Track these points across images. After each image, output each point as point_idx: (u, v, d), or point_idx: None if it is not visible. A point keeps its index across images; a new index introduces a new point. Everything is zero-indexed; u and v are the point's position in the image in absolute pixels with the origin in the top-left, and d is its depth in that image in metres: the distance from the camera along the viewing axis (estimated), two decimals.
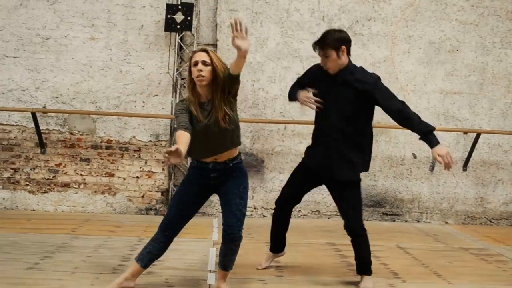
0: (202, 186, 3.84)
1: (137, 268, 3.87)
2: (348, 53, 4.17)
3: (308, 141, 7.04)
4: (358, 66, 4.30)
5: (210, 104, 3.68)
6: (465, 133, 7.09)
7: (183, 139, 3.51)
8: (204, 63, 3.63)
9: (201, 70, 3.61)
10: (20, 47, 6.92)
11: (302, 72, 6.89)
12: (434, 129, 4.03)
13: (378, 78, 4.22)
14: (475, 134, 6.93)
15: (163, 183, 7.07)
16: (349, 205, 4.22)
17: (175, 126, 3.73)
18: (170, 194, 7.04)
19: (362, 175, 6.96)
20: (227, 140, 3.74)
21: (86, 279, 4.14)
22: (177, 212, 3.85)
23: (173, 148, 3.28)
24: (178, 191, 3.92)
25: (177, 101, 6.99)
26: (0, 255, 4.74)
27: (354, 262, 4.44)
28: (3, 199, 6.95)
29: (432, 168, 7.17)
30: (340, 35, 4.16)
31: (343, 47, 4.10)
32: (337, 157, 4.16)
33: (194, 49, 7.02)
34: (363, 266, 4.28)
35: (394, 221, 7.18)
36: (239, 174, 3.84)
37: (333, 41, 4.10)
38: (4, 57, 6.92)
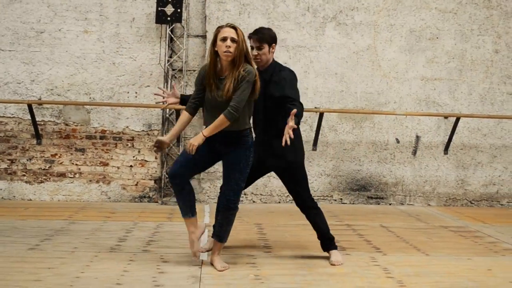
0: (210, 146, 4.04)
1: (190, 220, 4.17)
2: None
3: None
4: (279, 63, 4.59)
5: (225, 79, 3.93)
6: (446, 117, 7.39)
7: (179, 122, 4.04)
8: (232, 39, 3.87)
9: (229, 46, 3.85)
10: (15, 41, 7.14)
11: (288, 61, 7.21)
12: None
13: (294, 75, 4.43)
14: (455, 119, 7.22)
15: (156, 171, 7.32)
16: (295, 184, 4.43)
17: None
18: (163, 182, 7.29)
19: (348, 160, 7.28)
20: None
21: (85, 257, 4.39)
22: (183, 160, 4.07)
23: (155, 140, 3.63)
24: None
25: (169, 91, 7.24)
26: (1, 238, 4.98)
27: (338, 239, 4.71)
28: (0, 189, 7.17)
29: (414, 152, 7.47)
30: (274, 34, 4.41)
31: (274, 45, 4.37)
32: (273, 147, 4.33)
33: (184, 41, 7.28)
34: (327, 242, 4.51)
35: (378, 204, 7.47)
36: (242, 147, 4.06)
37: (269, 36, 4.33)
38: (0, 51, 7.13)
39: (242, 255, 4.62)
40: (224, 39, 3.87)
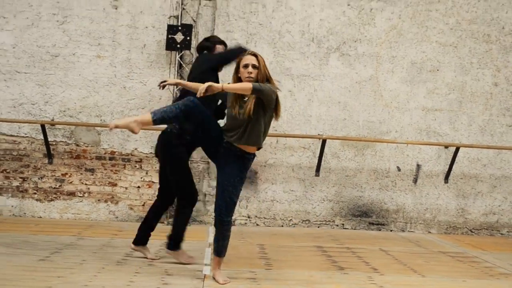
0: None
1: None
2: None
3: (299, 154, 7.52)
4: None
5: (247, 101, 4.19)
6: (446, 147, 7.59)
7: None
8: (254, 66, 4.18)
9: (251, 72, 4.17)
10: (31, 64, 7.43)
11: (293, 89, 7.47)
12: None
13: None
14: (455, 148, 7.41)
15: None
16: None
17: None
18: None
19: (350, 187, 7.45)
20: (244, 134, 4.20)
21: (93, 269, 4.57)
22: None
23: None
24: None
25: None
26: (13, 250, 5.17)
27: (337, 260, 4.91)
28: (12, 206, 7.38)
29: (415, 181, 7.64)
30: None
31: None
32: None
33: None
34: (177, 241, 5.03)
35: (380, 230, 7.62)
36: (241, 163, 4.29)
37: None
38: (16, 73, 7.42)
39: (243, 271, 4.78)
40: (246, 66, 4.19)
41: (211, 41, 5.46)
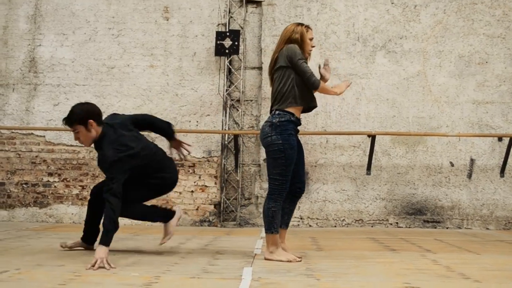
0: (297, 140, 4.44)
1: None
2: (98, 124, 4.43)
3: (349, 153, 7.55)
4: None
5: None
6: (500, 139, 7.43)
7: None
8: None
9: (314, 46, 4.49)
10: (89, 76, 7.82)
11: None
12: None
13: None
14: (508, 140, 7.25)
15: (215, 196, 7.66)
16: None
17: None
18: (222, 206, 7.60)
19: (402, 184, 7.39)
20: None
21: (144, 250, 4.72)
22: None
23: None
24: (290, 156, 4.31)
25: (227, 119, 7.69)
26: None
27: (389, 244, 4.88)
28: (72, 214, 7.68)
29: (469, 176, 7.50)
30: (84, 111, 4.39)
31: (90, 121, 4.35)
32: None
33: (242, 72, 7.76)
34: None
35: (435, 228, 7.48)
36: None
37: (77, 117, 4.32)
38: (75, 85, 7.82)
39: (293, 253, 4.82)
40: (312, 39, 4.44)
41: None
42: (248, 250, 4.87)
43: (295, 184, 4.44)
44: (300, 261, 4.25)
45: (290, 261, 4.23)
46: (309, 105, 4.43)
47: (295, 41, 4.35)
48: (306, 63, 4.33)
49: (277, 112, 4.32)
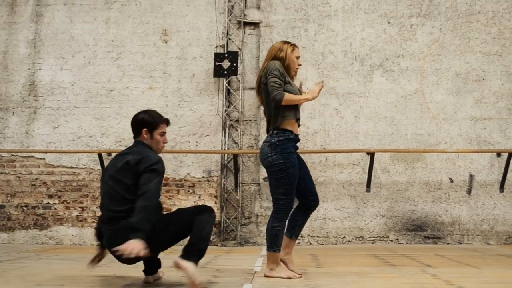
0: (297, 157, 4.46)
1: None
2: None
3: (349, 171, 7.57)
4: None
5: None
6: (498, 155, 7.46)
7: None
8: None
9: (300, 64, 4.55)
10: (88, 99, 7.88)
11: (339, 107, 7.60)
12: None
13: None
14: (507, 155, 7.27)
15: (216, 215, 7.64)
16: None
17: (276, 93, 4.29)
18: (222, 225, 7.60)
19: (402, 201, 7.39)
20: None
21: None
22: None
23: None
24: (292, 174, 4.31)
25: (227, 139, 7.73)
26: (72, 261, 5.40)
27: (389, 260, 4.87)
28: (72, 235, 7.68)
29: (469, 191, 7.51)
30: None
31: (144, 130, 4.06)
32: None
33: (240, 93, 7.82)
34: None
35: (436, 244, 7.46)
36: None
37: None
38: (75, 108, 7.87)
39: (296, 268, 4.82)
40: (298, 57, 4.50)
41: None
42: (248, 268, 4.87)
43: (308, 198, 4.45)
44: (300, 277, 4.25)
45: (290, 278, 4.23)
46: (297, 116, 4.43)
47: (280, 59, 4.39)
48: (277, 77, 4.25)
49: (275, 131, 4.34)
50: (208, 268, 4.91)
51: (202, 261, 5.43)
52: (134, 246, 3.43)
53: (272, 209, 4.40)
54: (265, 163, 4.36)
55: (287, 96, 4.23)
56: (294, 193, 4.32)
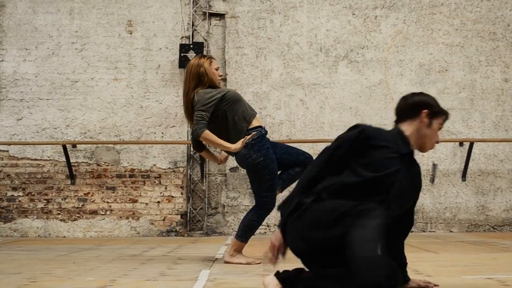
0: None
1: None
2: None
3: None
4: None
5: None
6: (461, 144, 7.59)
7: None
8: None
9: (221, 75, 4.64)
10: (53, 90, 7.79)
11: (304, 98, 7.65)
12: None
13: None
14: (469, 145, 7.40)
15: (182, 206, 7.66)
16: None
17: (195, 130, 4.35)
18: (188, 216, 7.60)
19: None
20: None
21: (107, 259, 4.71)
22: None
23: None
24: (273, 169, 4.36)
25: None
26: (35, 252, 5.36)
27: None
28: (37, 227, 7.61)
29: (432, 180, 7.63)
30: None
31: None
32: None
33: None
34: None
35: None
36: None
37: None
38: (39, 100, 7.78)
39: (256, 256, 4.85)
40: (218, 68, 4.54)
41: None
42: (210, 256, 4.88)
43: (300, 160, 4.49)
44: (259, 264, 4.28)
45: (250, 264, 4.26)
46: (254, 111, 4.52)
47: (202, 74, 4.42)
48: (204, 111, 4.28)
49: (247, 133, 4.37)
50: (169, 256, 4.91)
51: (163, 250, 5.46)
52: None
53: (254, 204, 4.48)
54: (245, 165, 4.39)
55: (208, 135, 4.27)
56: (276, 188, 4.39)
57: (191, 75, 4.45)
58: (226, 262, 4.35)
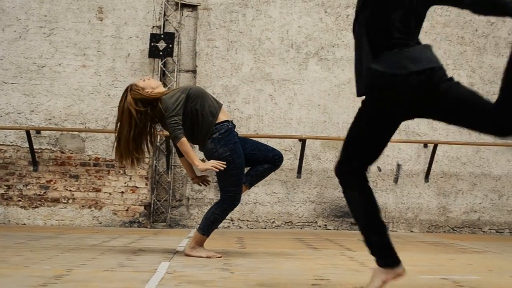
0: None
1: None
2: None
3: None
4: None
5: None
6: (425, 146, 7.70)
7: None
8: None
9: (143, 79, 4.55)
10: (18, 74, 7.64)
11: (273, 93, 7.67)
12: None
13: None
14: (433, 146, 7.52)
15: (146, 197, 7.60)
16: None
17: None
18: (152, 207, 7.55)
19: (331, 188, 7.52)
20: None
21: (67, 248, 4.65)
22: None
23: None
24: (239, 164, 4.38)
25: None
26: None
27: (313, 244, 5.01)
28: None
29: (396, 180, 7.73)
30: None
31: None
32: None
33: (176, 75, 7.77)
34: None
35: None
36: None
37: None
38: (3, 83, 7.62)
39: (216, 250, 4.84)
40: (144, 80, 4.51)
41: None
42: (171, 248, 4.86)
43: (269, 157, 4.53)
44: (220, 257, 4.28)
45: (210, 257, 4.26)
46: (220, 103, 4.51)
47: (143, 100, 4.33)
48: (175, 115, 4.24)
49: (214, 128, 4.34)
50: (130, 247, 4.88)
51: (124, 241, 5.42)
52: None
53: (220, 199, 4.47)
54: (212, 159, 4.35)
55: (184, 143, 4.25)
56: (242, 182, 4.39)
57: (130, 113, 4.34)
58: (186, 255, 4.34)
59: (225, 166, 4.26)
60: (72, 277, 3.22)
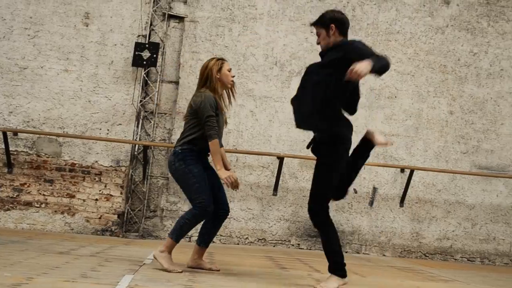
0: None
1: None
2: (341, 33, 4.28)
3: (258, 173, 7.62)
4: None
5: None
6: (402, 171, 7.74)
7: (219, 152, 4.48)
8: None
9: (234, 76, 4.68)
10: None
11: (255, 109, 7.67)
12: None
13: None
14: (409, 172, 7.56)
15: (120, 206, 7.54)
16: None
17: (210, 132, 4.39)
18: (126, 216, 7.50)
19: (307, 207, 7.53)
20: None
21: (35, 252, 4.59)
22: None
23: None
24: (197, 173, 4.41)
25: (139, 130, 7.64)
26: None
27: (282, 263, 4.96)
28: None
29: (371, 203, 7.75)
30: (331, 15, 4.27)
31: (332, 25, 4.21)
32: None
33: (158, 85, 7.75)
34: (331, 263, 4.36)
35: None
36: None
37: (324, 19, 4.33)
38: None
39: (182, 264, 4.81)
40: (230, 70, 4.64)
41: None
42: (138, 260, 4.82)
43: (218, 207, 4.50)
44: (180, 272, 4.24)
45: (169, 271, 4.23)
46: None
47: (207, 77, 4.52)
48: (213, 116, 4.38)
49: (181, 141, 4.49)
50: (97, 257, 4.83)
51: (93, 250, 5.37)
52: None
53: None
54: (171, 172, 4.53)
55: (215, 144, 4.37)
56: (206, 190, 4.37)
57: (200, 76, 4.61)
58: (154, 256, 4.36)
59: (236, 187, 4.43)
60: (30, 286, 3.17)
